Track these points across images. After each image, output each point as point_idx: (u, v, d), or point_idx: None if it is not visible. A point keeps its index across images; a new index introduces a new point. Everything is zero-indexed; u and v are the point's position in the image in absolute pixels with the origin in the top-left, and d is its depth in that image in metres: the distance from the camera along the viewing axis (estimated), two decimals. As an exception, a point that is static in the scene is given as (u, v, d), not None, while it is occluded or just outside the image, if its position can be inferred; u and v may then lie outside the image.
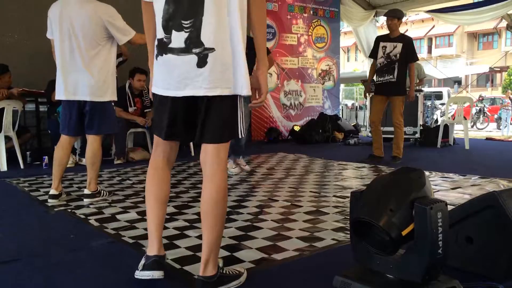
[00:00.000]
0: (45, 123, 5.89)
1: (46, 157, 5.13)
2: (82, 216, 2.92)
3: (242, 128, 1.79)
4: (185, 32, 1.62)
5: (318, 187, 3.79)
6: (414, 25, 33.61)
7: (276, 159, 5.57)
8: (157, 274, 1.75)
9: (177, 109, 1.72)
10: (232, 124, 1.74)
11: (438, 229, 1.42)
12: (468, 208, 1.78)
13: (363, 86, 6.91)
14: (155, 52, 1.73)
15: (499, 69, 30.57)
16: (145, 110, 5.78)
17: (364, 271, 1.64)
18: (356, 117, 13.42)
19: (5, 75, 5.14)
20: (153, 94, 1.81)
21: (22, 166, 5.07)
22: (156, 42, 1.72)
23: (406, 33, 5.58)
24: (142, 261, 1.81)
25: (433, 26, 33.72)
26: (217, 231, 1.69)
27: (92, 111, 3.28)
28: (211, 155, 1.72)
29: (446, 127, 6.89)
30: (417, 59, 5.32)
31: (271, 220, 2.77)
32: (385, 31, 5.38)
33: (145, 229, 2.52)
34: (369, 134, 7.28)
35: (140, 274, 1.77)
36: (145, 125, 5.68)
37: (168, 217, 2.70)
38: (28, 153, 5.44)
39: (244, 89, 1.70)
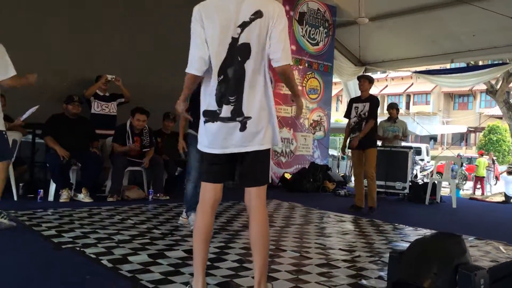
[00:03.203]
0: (41, 155, 5.84)
1: (42, 190, 5.07)
2: (93, 256, 2.88)
3: (269, 174, 2.25)
4: (231, 105, 2.11)
5: (321, 238, 3.84)
6: (393, 81, 34.84)
7: (272, 207, 5.61)
8: None
9: (222, 161, 2.20)
10: (267, 170, 2.23)
11: (481, 295, 1.50)
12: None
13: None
14: (204, 119, 2.16)
15: (473, 129, 31.75)
16: (144, 150, 5.79)
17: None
18: (338, 166, 13.67)
19: None
20: (201, 152, 2.24)
21: (15, 198, 4.99)
22: (204, 112, 2.16)
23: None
24: None
25: (412, 84, 35.03)
26: (265, 257, 2.12)
27: None
28: (254, 197, 2.18)
29: (433, 185, 7.09)
30: (376, 118, 5.73)
31: (285, 271, 2.79)
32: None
33: (160, 273, 2.57)
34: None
35: None
36: (144, 165, 5.68)
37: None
38: (21, 185, 5.35)
39: (277, 142, 2.22)
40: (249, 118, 2.10)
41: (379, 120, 6.30)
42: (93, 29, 6.34)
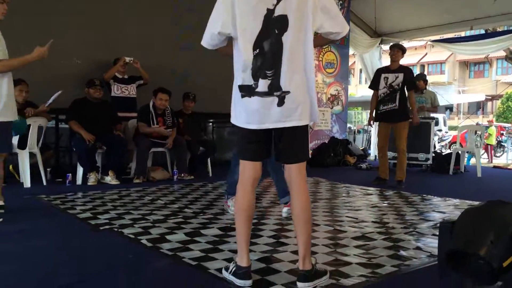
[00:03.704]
0: (64, 140, 5.91)
1: (70, 174, 5.13)
2: (132, 236, 2.93)
3: (308, 150, 2.22)
4: (268, 79, 2.04)
5: (352, 212, 3.85)
6: (407, 52, 34.26)
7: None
8: (248, 283, 2.07)
9: (260, 138, 2.15)
10: (306, 146, 2.19)
11: (540, 261, 1.49)
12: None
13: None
14: (240, 93, 2.10)
15: (490, 97, 31.23)
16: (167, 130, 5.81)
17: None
18: (354, 140, 13.61)
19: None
20: (237, 127, 2.18)
21: (44, 183, 5.06)
22: (240, 87, 2.10)
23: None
24: (232, 267, 2.14)
25: (426, 54, 34.43)
26: (308, 232, 2.11)
27: None
28: (295, 173, 2.15)
29: (457, 155, 7.02)
30: (414, 88, 5.60)
31: (322, 245, 2.80)
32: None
33: (200, 250, 2.60)
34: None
35: (232, 278, 2.10)
36: (167, 146, 5.71)
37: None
38: (48, 170, 5.44)
39: (316, 118, 2.19)
40: (287, 92, 2.03)
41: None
42: (109, 11, 6.29)
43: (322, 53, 8.89)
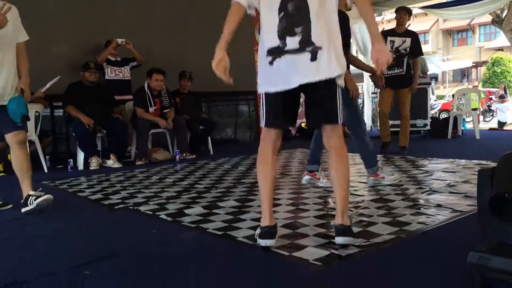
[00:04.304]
0: (61, 127, 5.79)
1: (71, 160, 5.04)
2: (149, 212, 2.89)
3: (341, 114, 2.12)
4: (298, 36, 2.01)
5: (363, 178, 3.83)
6: (390, 23, 34.18)
7: (302, 155, 5.62)
8: (269, 243, 2.07)
9: (287, 101, 2.11)
10: (337, 108, 2.11)
11: None
12: None
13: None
14: (269, 58, 2.05)
15: (474, 64, 31.42)
16: (164, 111, 5.72)
17: (498, 246, 1.67)
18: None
19: None
20: (264, 94, 2.13)
21: (46, 170, 4.96)
22: (268, 51, 2.05)
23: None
24: (258, 231, 2.13)
25: (409, 24, 34.33)
26: (346, 188, 2.16)
27: None
28: (334, 137, 2.14)
29: (454, 119, 7.05)
30: (422, 54, 5.51)
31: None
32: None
33: (223, 221, 2.57)
34: (377, 128, 7.42)
35: (259, 242, 2.10)
36: (166, 128, 5.63)
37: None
38: (47, 157, 5.33)
39: (341, 75, 2.08)
40: (319, 48, 1.99)
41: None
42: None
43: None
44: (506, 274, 1.56)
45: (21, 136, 3.06)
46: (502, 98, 13.62)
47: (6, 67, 2.99)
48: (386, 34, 5.48)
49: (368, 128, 9.25)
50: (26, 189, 3.04)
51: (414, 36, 5.41)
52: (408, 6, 6.22)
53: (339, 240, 2.04)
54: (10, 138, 3.03)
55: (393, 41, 5.37)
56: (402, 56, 5.33)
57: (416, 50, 5.37)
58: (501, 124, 11.99)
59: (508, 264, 1.56)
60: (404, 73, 5.32)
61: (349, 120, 3.46)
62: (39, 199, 2.94)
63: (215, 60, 2.07)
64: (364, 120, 3.57)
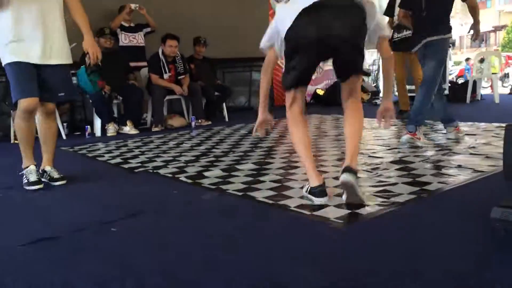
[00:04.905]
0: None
1: (89, 126, 5.10)
2: (169, 175, 2.92)
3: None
4: None
5: (381, 140, 3.82)
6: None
7: (318, 120, 5.59)
8: (324, 200, 2.13)
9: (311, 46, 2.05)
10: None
11: None
12: None
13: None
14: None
15: (493, 28, 30.56)
16: (179, 77, 5.70)
17: (522, 201, 1.67)
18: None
19: None
20: (291, 54, 2.10)
21: (64, 137, 5.03)
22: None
23: None
24: (306, 187, 2.21)
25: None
26: (358, 139, 2.21)
27: None
28: (354, 90, 2.25)
29: (474, 83, 6.92)
30: None
31: (362, 170, 2.78)
32: None
33: (242, 183, 2.59)
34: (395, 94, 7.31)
35: (310, 197, 2.16)
36: (182, 94, 5.63)
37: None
38: (64, 124, 5.38)
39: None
40: None
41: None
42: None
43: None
44: (531, 228, 1.56)
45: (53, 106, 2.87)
46: None
47: (51, 25, 2.66)
48: None
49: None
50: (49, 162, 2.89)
51: None
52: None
53: (343, 177, 2.01)
54: (49, 106, 2.80)
55: None
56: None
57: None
58: None
59: (533, 218, 1.56)
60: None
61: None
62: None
63: (259, 121, 2.39)
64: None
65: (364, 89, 8.03)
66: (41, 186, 2.72)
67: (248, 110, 7.73)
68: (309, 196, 2.17)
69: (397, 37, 5.27)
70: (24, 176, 2.76)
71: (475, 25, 3.78)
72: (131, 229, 1.93)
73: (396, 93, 5.85)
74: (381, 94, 8.96)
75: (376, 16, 2.13)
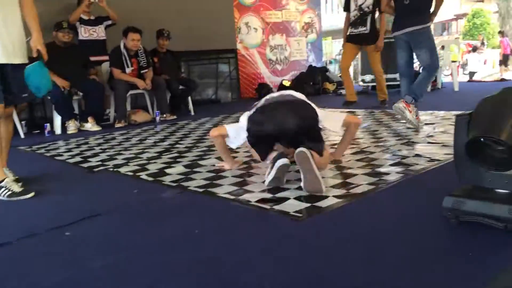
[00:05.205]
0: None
1: (48, 124, 4.94)
2: (130, 173, 2.86)
3: None
4: None
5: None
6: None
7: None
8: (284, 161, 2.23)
9: None
10: None
11: (558, 141, 1.50)
12: None
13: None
14: None
15: (455, 17, 31.26)
16: (142, 71, 5.59)
17: (471, 190, 1.71)
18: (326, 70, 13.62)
19: None
20: None
21: (22, 136, 4.87)
22: None
23: None
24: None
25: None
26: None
27: None
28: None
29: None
30: None
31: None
32: None
33: (204, 179, 2.56)
34: (360, 83, 7.41)
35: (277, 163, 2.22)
36: (145, 89, 5.52)
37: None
38: (23, 122, 5.21)
39: None
40: None
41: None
42: None
43: (292, -21, 8.58)
44: (480, 216, 1.60)
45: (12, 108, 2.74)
46: (474, 50, 13.91)
47: (10, 17, 2.52)
48: None
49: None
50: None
51: None
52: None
53: (298, 150, 2.15)
54: (10, 108, 2.67)
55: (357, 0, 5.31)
56: (366, 14, 5.26)
57: (379, 5, 5.11)
58: (472, 74, 12.46)
59: (481, 207, 1.60)
60: (367, 32, 5.28)
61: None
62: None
63: (227, 168, 2.73)
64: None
65: (329, 80, 8.10)
66: (33, 193, 2.46)
67: (215, 103, 7.68)
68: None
69: (353, 32, 5.37)
70: (4, 189, 2.46)
71: (432, 15, 3.87)
72: (85, 233, 1.87)
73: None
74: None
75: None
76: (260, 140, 2.41)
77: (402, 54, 3.98)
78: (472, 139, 1.61)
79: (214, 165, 2.88)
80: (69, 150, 3.85)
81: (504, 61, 14.16)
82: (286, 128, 2.29)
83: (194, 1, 6.79)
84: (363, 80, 7.23)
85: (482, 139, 1.59)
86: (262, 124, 2.36)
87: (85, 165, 3.22)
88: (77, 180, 2.87)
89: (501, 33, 15.36)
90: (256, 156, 2.50)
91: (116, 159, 3.34)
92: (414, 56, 3.98)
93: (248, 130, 2.39)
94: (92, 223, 1.99)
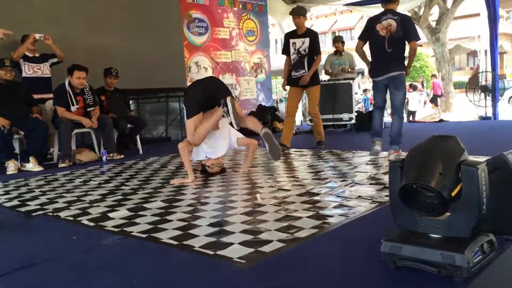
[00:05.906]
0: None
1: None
2: (70, 218, 2.75)
3: None
4: None
5: (291, 172, 3.92)
6: (318, 19, 35.20)
7: (235, 151, 5.61)
8: None
9: None
10: None
11: (483, 187, 1.60)
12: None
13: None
14: None
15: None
16: (88, 109, 5.48)
17: (408, 235, 1.77)
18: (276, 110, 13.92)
19: None
20: None
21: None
22: None
23: (311, 28, 5.96)
24: None
25: (336, 21, 35.55)
26: None
27: None
28: None
29: (378, 112, 7.37)
30: (320, 52, 5.52)
31: (270, 204, 2.82)
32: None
33: (149, 223, 2.51)
34: (308, 123, 7.61)
35: None
36: (91, 127, 5.40)
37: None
38: (-43, 162, 4.93)
39: None
40: None
41: (325, 55, 6.27)
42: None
43: (242, 21, 8.82)
44: (415, 261, 1.66)
45: None
46: (414, 89, 14.95)
47: None
48: (288, 36, 5.60)
49: (298, 123, 9.50)
50: None
51: (312, 35, 5.45)
52: (336, 3, 6.41)
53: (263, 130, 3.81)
54: None
55: (295, 43, 5.47)
56: (303, 57, 5.42)
57: (314, 48, 5.41)
58: (410, 113, 13.23)
59: (416, 252, 1.66)
60: (307, 73, 5.40)
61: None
62: None
63: (188, 182, 3.63)
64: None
65: (278, 119, 8.26)
66: None
67: (165, 141, 7.61)
68: None
69: (295, 76, 5.49)
70: None
71: (407, 68, 4.47)
72: (20, 285, 1.77)
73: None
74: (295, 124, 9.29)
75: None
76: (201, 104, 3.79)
77: (380, 95, 4.60)
78: (404, 185, 1.68)
79: (171, 183, 3.52)
80: (7, 192, 3.67)
81: (433, 101, 15.93)
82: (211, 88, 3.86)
83: (145, 40, 6.81)
84: (310, 120, 7.42)
85: (414, 186, 1.67)
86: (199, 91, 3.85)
87: (23, 209, 3.07)
88: (13, 226, 2.72)
89: (434, 75, 17.24)
90: (204, 130, 3.81)
91: (56, 202, 3.21)
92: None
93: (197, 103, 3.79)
94: (26, 275, 1.88)
